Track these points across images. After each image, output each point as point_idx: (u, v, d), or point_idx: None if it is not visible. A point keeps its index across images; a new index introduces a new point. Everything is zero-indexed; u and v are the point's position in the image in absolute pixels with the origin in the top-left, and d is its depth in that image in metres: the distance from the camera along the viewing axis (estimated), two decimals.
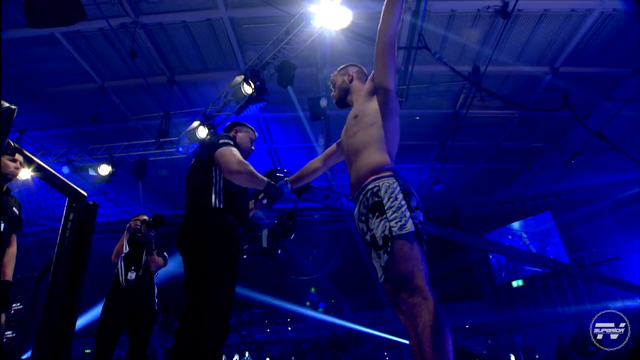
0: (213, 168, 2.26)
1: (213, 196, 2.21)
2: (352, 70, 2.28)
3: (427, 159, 10.24)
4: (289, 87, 6.09)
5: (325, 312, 14.60)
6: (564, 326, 10.16)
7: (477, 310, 13.44)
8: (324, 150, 2.50)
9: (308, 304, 14.31)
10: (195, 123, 7.04)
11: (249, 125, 2.73)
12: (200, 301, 1.98)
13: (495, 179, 11.66)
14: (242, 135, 2.60)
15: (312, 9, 5.25)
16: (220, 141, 2.27)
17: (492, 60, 6.46)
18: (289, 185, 2.38)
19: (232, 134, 2.60)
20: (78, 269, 2.24)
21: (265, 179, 2.27)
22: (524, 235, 13.25)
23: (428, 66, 6.81)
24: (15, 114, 1.66)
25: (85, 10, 4.52)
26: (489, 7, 5.74)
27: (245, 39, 6.44)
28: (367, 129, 1.96)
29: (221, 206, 2.20)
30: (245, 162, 2.22)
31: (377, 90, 2.00)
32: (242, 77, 6.09)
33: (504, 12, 5.63)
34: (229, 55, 6.74)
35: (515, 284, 13.21)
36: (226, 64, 6.95)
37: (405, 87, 7.02)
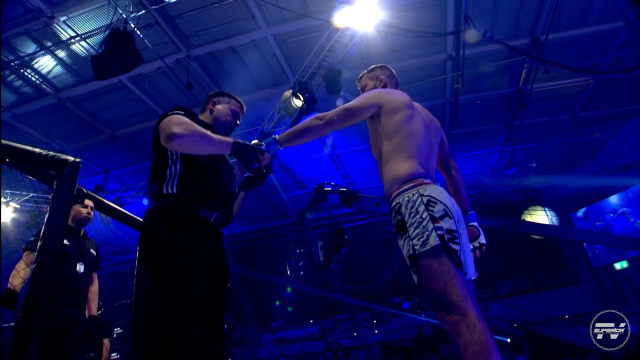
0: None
1: (166, 180, 1.76)
2: (384, 76, 2.18)
3: (496, 143, 9.67)
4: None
5: (410, 311, 14.23)
6: None
7: (574, 298, 12.29)
8: None
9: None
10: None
11: (235, 95, 2.19)
12: (149, 318, 1.56)
13: (576, 153, 10.69)
14: (222, 108, 2.09)
15: (346, 12, 5.23)
16: (168, 113, 1.80)
17: (552, 26, 5.94)
18: (279, 146, 1.89)
19: (208, 106, 2.11)
20: None
21: (229, 139, 1.75)
22: (626, 211, 11.82)
23: (481, 46, 6.43)
24: (80, 165, 1.83)
25: (142, 54, 4.95)
26: None
27: (291, 53, 6.59)
28: (380, 149, 1.91)
29: (174, 192, 1.73)
30: (190, 122, 1.71)
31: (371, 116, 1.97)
32: (291, 91, 6.21)
33: None
34: (277, 70, 6.93)
35: (618, 266, 11.87)
36: (277, 80, 7.15)
37: (459, 72, 6.70)
